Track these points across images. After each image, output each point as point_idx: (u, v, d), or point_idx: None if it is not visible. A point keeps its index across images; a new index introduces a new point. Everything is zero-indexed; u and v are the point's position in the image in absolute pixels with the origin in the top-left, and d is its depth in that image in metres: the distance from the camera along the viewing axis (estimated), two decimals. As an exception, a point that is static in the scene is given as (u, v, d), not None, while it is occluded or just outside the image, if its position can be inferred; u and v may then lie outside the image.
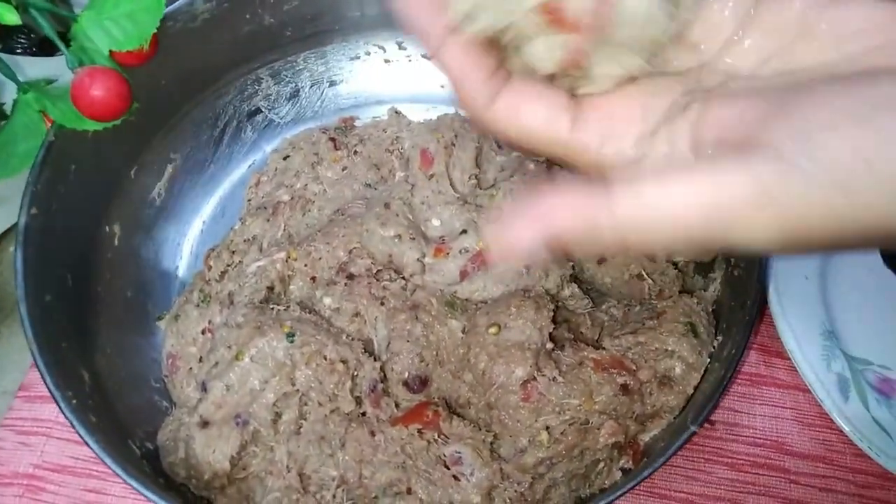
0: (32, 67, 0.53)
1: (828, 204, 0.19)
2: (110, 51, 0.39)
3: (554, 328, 0.41)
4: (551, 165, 0.51)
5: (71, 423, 0.34)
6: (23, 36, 0.55)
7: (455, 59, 0.23)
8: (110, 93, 0.38)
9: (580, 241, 0.21)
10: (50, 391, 0.35)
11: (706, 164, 0.20)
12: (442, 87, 0.58)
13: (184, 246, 0.52)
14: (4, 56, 0.43)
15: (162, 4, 0.39)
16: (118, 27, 0.39)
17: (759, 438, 0.45)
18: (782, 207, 0.19)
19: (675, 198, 0.20)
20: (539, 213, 0.21)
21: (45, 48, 0.56)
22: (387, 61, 0.58)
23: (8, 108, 0.49)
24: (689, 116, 0.22)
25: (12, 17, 0.37)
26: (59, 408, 0.35)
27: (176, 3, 0.47)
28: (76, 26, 0.39)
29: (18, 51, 0.57)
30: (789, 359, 0.45)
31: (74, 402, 0.36)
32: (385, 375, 0.41)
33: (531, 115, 0.24)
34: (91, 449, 0.34)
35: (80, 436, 0.34)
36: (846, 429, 0.43)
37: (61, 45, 0.38)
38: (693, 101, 0.23)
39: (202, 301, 0.46)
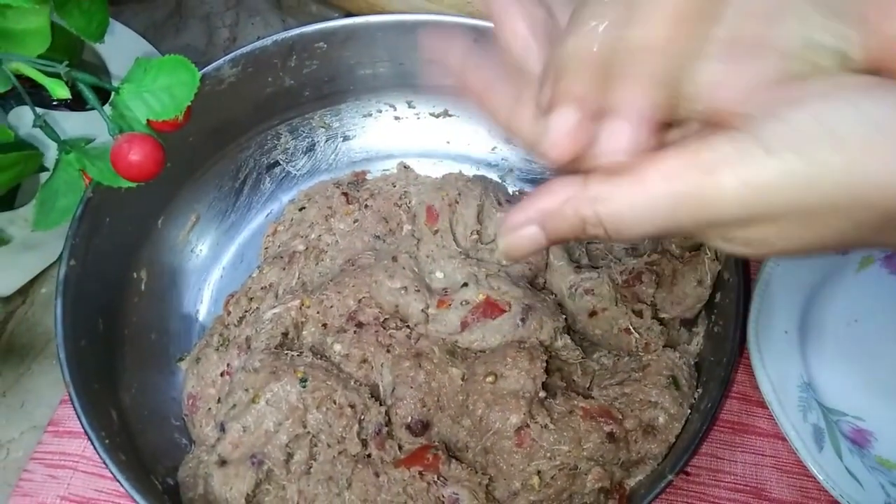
0: (68, 121, 0.57)
1: (786, 169, 0.20)
2: (148, 119, 0.43)
3: (547, 377, 0.44)
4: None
5: (104, 462, 0.38)
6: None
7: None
8: (147, 158, 0.42)
9: (566, 228, 0.23)
10: (85, 431, 0.38)
11: (676, 148, 0.22)
12: (448, 143, 0.62)
13: (204, 290, 0.56)
14: (41, 110, 0.48)
15: (196, 79, 0.43)
16: (156, 99, 0.43)
17: (740, 484, 0.48)
18: (742, 171, 0.20)
19: (642, 174, 0.21)
20: (528, 205, 0.24)
21: (79, 103, 0.61)
22: (397, 118, 0.62)
23: (48, 163, 0.53)
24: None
25: (63, 92, 0.41)
26: (94, 447, 0.38)
27: (205, 69, 0.51)
28: (117, 97, 0.43)
29: (55, 104, 0.61)
30: (769, 408, 0.48)
31: (107, 441, 0.39)
32: (389, 419, 0.45)
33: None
34: (122, 486, 0.37)
35: (111, 473, 0.37)
36: (820, 477, 0.46)
37: (104, 115, 0.42)
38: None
39: (221, 345, 0.49)
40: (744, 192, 0.20)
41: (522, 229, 0.24)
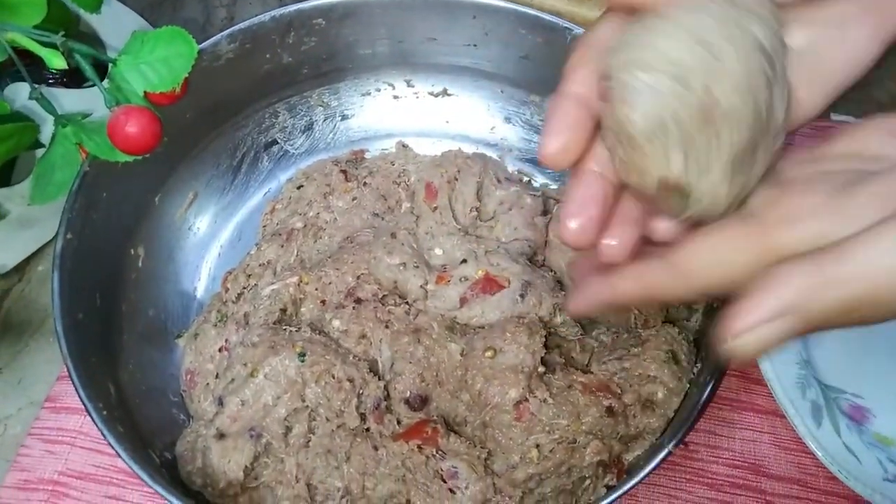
0: (64, 98, 0.57)
1: None
2: (145, 92, 0.43)
3: (546, 353, 0.44)
4: (546, 199, 0.54)
5: (102, 433, 0.38)
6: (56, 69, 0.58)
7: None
8: (144, 130, 0.42)
9: (823, 310, 0.21)
10: (83, 402, 0.38)
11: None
12: (447, 122, 0.62)
13: (202, 268, 0.55)
14: (37, 86, 0.47)
15: (194, 51, 0.43)
16: (153, 71, 0.43)
17: (738, 460, 0.48)
18: None
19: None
20: (760, 301, 0.21)
21: (75, 80, 0.60)
22: (395, 97, 0.61)
23: (44, 139, 0.53)
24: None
25: (60, 62, 0.40)
26: (91, 418, 0.38)
27: (202, 44, 0.51)
28: (114, 69, 0.43)
29: (51, 81, 0.61)
30: (767, 385, 0.48)
31: (105, 413, 0.39)
32: (388, 394, 0.44)
33: (720, 244, 0.24)
34: (120, 457, 0.37)
35: (109, 444, 0.37)
36: (819, 453, 0.46)
37: (100, 86, 0.42)
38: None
39: (220, 321, 0.49)
40: None
41: (766, 325, 0.21)
